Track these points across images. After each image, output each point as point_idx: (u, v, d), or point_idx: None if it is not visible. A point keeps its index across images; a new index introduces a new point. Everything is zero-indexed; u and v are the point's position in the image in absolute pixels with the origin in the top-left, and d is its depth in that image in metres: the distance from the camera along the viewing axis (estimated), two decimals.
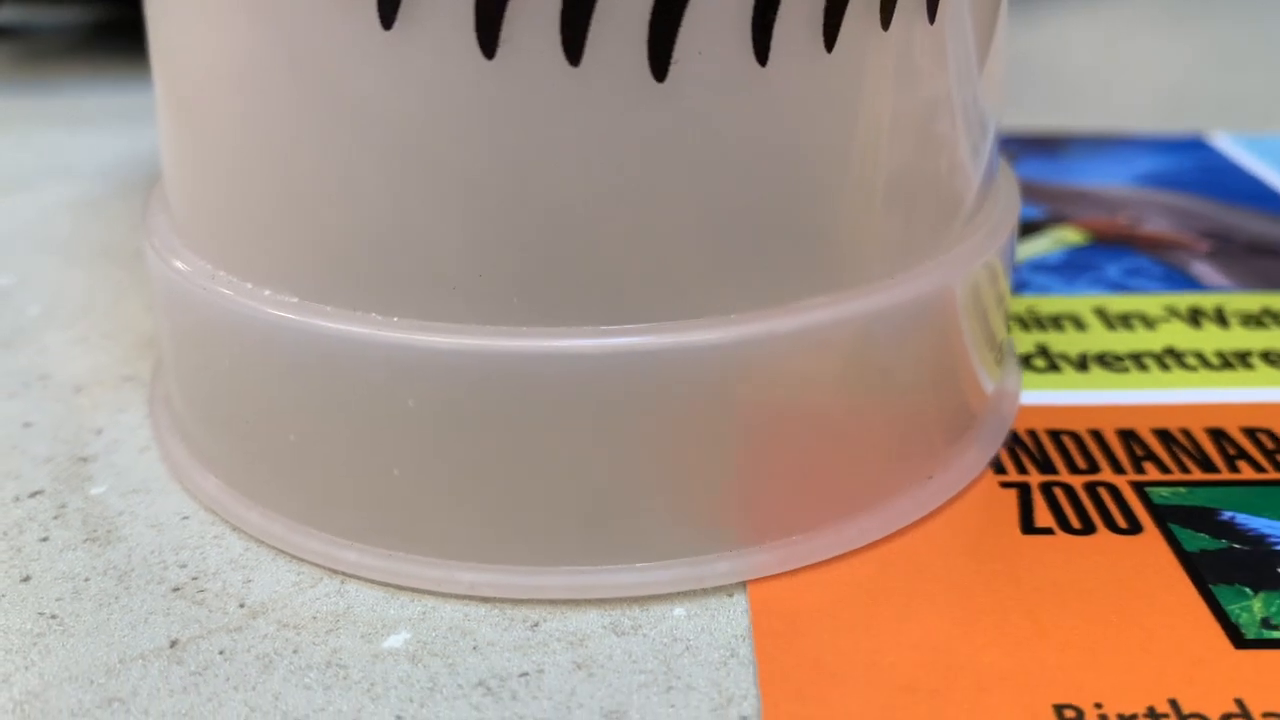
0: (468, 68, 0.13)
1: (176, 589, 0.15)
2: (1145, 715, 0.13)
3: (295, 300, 0.15)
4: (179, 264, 0.16)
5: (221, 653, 0.14)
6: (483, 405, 0.14)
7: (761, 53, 0.13)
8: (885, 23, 0.14)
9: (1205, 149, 0.30)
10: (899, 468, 0.16)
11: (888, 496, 0.16)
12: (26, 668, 0.14)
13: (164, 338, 0.17)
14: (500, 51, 0.13)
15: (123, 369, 0.20)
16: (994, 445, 0.17)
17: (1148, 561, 0.15)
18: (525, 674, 0.14)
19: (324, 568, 0.15)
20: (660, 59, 0.13)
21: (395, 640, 0.14)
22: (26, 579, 0.15)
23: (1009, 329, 0.18)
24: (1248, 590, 0.15)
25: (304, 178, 0.14)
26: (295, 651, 0.14)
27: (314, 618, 0.15)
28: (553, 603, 0.15)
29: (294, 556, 0.16)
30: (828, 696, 0.13)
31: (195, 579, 0.15)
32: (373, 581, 0.15)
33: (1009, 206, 0.17)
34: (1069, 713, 0.13)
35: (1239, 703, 0.13)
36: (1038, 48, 0.40)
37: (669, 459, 0.14)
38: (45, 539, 0.16)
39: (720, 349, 0.14)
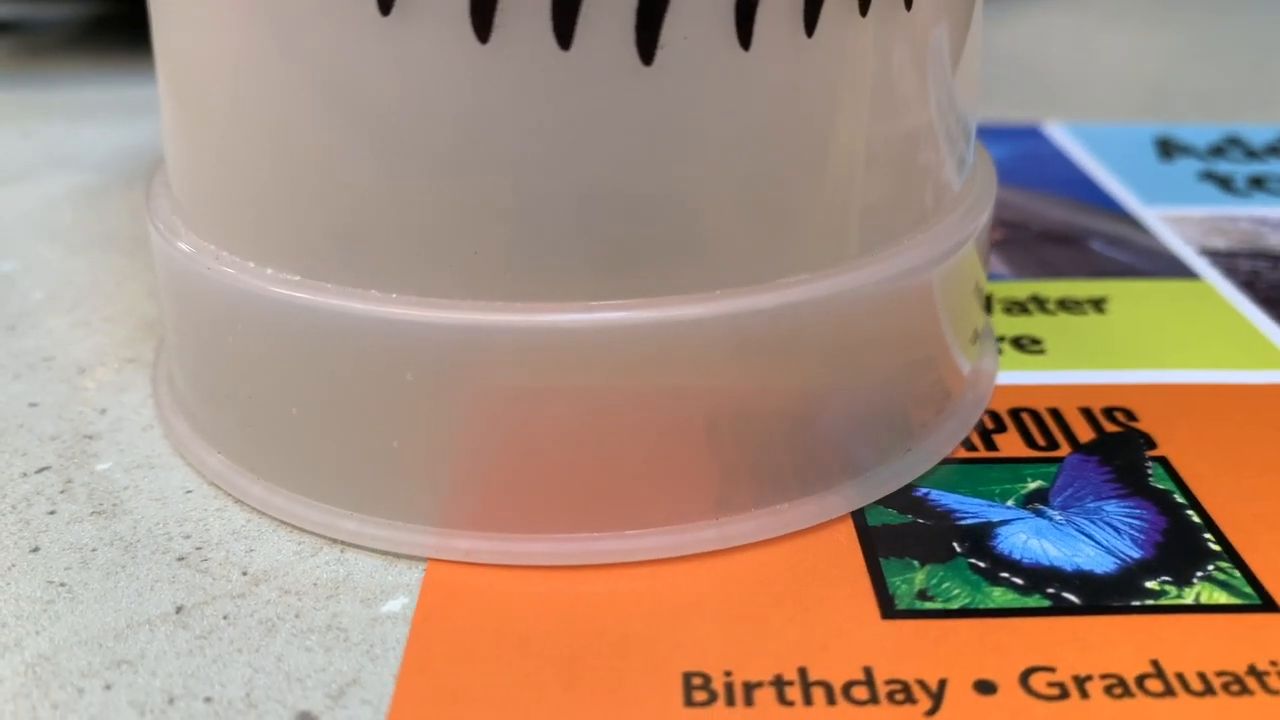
0: (462, 52, 0.13)
1: (181, 558, 0.16)
2: (770, 683, 0.13)
3: (297, 279, 0.15)
4: (183, 245, 0.16)
5: (225, 617, 0.15)
6: (477, 378, 0.14)
7: (745, 38, 0.13)
8: (863, 10, 0.14)
9: (1038, 138, 0.31)
10: (875, 442, 0.16)
11: (866, 469, 0.16)
12: (37, 632, 0.14)
13: (168, 318, 0.18)
14: (494, 36, 0.13)
15: (125, 351, 0.21)
16: (969, 423, 0.18)
17: (826, 536, 0.16)
18: None
19: (324, 537, 0.16)
20: (647, 43, 0.13)
21: (393, 605, 0.15)
22: (35, 550, 0.16)
23: (986, 310, 0.19)
24: (915, 563, 0.15)
25: (304, 161, 0.14)
26: (297, 616, 0.15)
27: (315, 584, 0.15)
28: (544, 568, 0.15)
29: (295, 527, 0.16)
30: (467, 665, 0.14)
31: (199, 549, 0.16)
32: (372, 550, 0.16)
33: (985, 190, 0.18)
34: (696, 680, 0.13)
35: (866, 670, 0.14)
36: (1016, 41, 0.41)
37: (656, 430, 0.15)
38: (53, 512, 0.17)
39: (704, 324, 0.14)
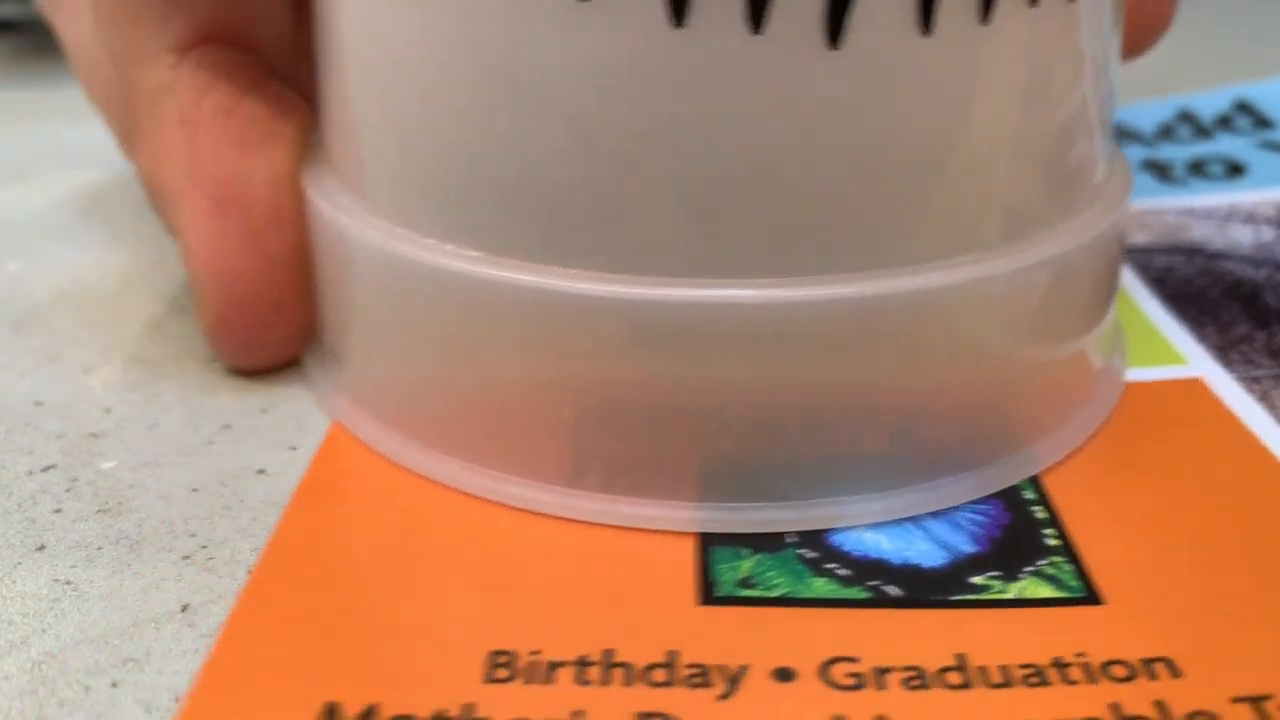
0: (657, 36, 0.14)
1: (186, 557, 0.15)
2: (574, 663, 0.13)
3: (478, 254, 0.15)
4: (363, 224, 0.17)
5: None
6: (654, 351, 0.15)
7: (926, 23, 0.14)
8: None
9: None
10: (1000, 432, 0.16)
11: (992, 459, 0.16)
12: (43, 630, 0.14)
13: (336, 297, 0.18)
14: (688, 21, 0.13)
15: (130, 350, 0.21)
16: (1099, 417, 0.18)
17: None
18: None
19: (495, 503, 0.16)
20: (835, 28, 0.13)
21: None
22: (41, 548, 0.16)
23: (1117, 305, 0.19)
24: (746, 552, 0.15)
25: (491, 143, 0.15)
26: None
27: None
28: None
29: None
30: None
31: (205, 547, 0.16)
32: (540, 514, 0.16)
33: (1123, 183, 0.18)
34: (502, 657, 0.14)
35: (670, 654, 0.14)
36: None
37: (809, 404, 0.15)
38: (59, 510, 0.16)
39: (869, 304, 0.15)
